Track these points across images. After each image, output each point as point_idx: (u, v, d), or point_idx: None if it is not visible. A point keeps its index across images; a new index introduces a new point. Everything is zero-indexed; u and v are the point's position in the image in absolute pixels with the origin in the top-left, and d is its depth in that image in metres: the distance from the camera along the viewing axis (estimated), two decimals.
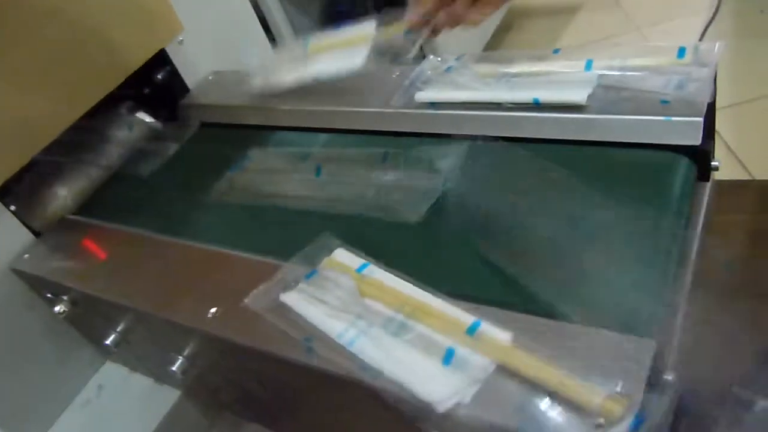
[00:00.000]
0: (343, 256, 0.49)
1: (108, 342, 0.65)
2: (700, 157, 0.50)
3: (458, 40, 1.40)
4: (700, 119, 0.49)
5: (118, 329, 0.65)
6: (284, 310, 0.47)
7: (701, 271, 0.49)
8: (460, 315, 0.41)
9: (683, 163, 0.50)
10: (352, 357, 0.42)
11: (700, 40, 1.48)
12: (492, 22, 1.60)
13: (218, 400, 0.70)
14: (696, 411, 0.45)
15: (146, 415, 0.73)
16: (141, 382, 0.76)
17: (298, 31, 1.36)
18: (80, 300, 0.64)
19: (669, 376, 0.39)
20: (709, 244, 0.52)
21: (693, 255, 0.49)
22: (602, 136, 0.54)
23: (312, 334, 0.44)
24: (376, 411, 0.43)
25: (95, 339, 0.74)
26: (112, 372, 0.78)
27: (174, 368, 0.58)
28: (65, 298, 0.65)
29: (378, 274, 0.46)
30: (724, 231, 0.62)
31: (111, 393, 0.76)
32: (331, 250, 0.49)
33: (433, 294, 0.44)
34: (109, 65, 0.75)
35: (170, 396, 0.73)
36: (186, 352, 0.58)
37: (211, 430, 0.78)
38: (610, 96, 0.54)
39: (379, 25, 0.69)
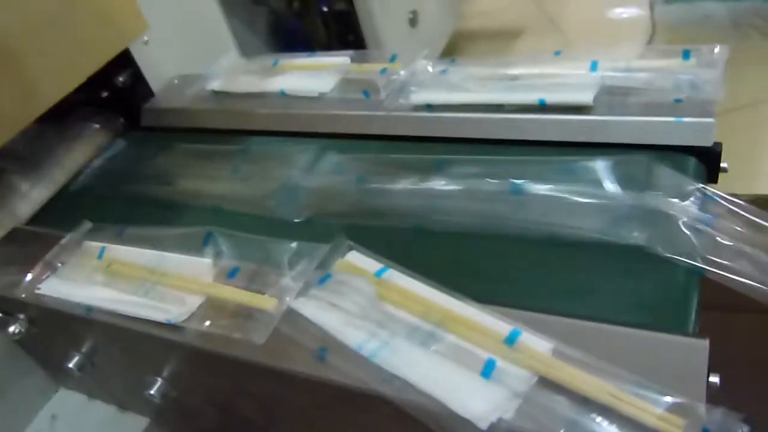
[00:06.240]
0: (358, 259, 0.45)
1: (71, 365, 0.58)
2: (711, 158, 0.50)
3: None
4: (713, 120, 0.48)
5: (83, 350, 0.58)
6: (295, 317, 0.42)
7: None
8: (495, 323, 0.38)
9: (691, 164, 0.50)
10: (376, 369, 0.38)
11: None
12: (439, 44, 1.59)
13: (195, 427, 0.64)
14: None
15: None
16: (102, 410, 0.69)
17: (245, 50, 1.31)
18: (39, 318, 0.58)
19: (715, 378, 0.37)
20: None
21: None
22: (609, 138, 0.52)
23: (327, 344, 0.41)
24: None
25: (52, 362, 0.66)
26: (67, 400, 0.71)
27: (152, 391, 0.52)
28: (21, 316, 0.58)
29: (399, 278, 0.43)
30: None
31: (67, 424, 0.69)
32: (343, 254, 0.46)
33: (461, 300, 0.40)
34: (68, 63, 0.68)
35: (137, 424, 0.67)
36: (166, 372, 0.52)
37: None
38: (617, 97, 0.53)
39: (353, 60, 0.69)
